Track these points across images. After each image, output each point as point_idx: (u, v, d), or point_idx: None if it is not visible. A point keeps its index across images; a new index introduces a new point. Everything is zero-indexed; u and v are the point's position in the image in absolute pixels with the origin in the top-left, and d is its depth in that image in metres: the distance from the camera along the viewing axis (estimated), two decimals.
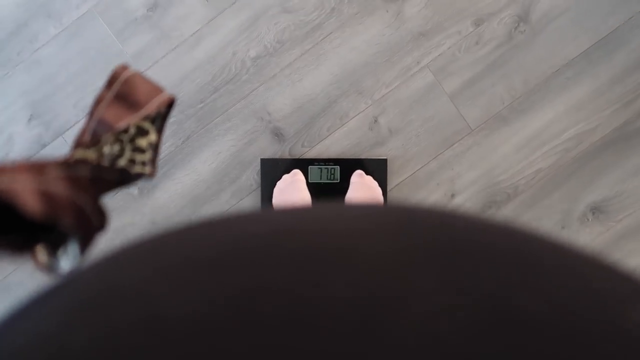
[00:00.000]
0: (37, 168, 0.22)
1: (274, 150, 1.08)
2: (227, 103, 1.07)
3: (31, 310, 0.14)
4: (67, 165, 0.24)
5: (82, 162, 0.25)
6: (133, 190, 1.08)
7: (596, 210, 1.07)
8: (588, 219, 1.07)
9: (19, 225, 0.22)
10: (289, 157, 1.07)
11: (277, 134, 1.08)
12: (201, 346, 0.11)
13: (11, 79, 1.07)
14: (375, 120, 1.07)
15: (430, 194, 1.08)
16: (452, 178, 1.07)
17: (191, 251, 0.15)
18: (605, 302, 0.12)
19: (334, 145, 1.07)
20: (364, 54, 1.07)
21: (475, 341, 0.11)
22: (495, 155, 1.07)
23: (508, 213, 1.07)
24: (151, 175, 0.28)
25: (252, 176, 1.08)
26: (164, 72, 1.08)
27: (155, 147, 0.28)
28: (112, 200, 1.08)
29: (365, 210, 0.18)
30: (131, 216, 1.09)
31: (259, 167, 1.07)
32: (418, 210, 0.18)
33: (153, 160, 0.28)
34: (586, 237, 1.07)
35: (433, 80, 1.07)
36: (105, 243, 1.08)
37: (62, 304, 0.14)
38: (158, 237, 0.16)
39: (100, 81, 1.08)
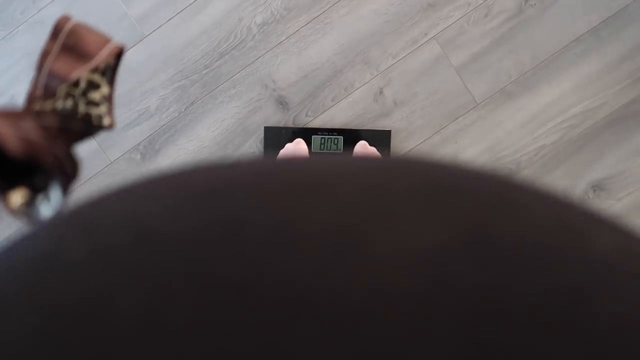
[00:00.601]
0: (12, 115, 0.22)
1: (277, 119, 1.08)
2: (232, 70, 1.07)
3: (31, 235, 0.15)
4: (37, 114, 0.24)
5: (48, 112, 0.25)
6: (135, 155, 1.09)
7: (597, 188, 1.08)
8: (589, 197, 1.08)
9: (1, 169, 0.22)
10: (292, 126, 1.07)
11: (282, 103, 1.07)
12: (191, 258, 0.12)
13: (14, 38, 1.07)
14: (381, 92, 1.07)
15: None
16: (455, 152, 1.08)
17: (183, 184, 0.16)
18: (573, 233, 0.13)
19: (338, 115, 1.07)
20: (372, 24, 1.07)
21: (451, 262, 0.11)
22: (499, 131, 1.07)
23: None
24: (111, 126, 0.28)
25: (255, 144, 1.08)
26: (169, 36, 1.07)
27: (109, 99, 0.28)
28: (115, 165, 1.09)
29: (353, 158, 0.19)
30: None
31: (262, 136, 1.07)
32: (409, 158, 0.18)
33: (109, 112, 0.28)
34: None
35: (440, 53, 1.06)
36: None
37: (58, 229, 0.14)
38: (151, 175, 0.17)
39: None
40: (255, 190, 0.15)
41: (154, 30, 1.07)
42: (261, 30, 1.07)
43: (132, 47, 1.07)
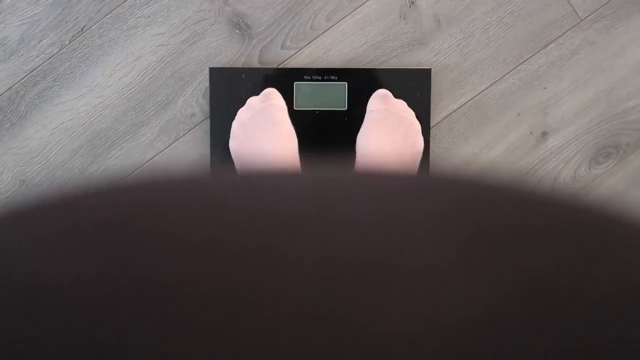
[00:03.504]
0: None
1: (232, 54, 0.68)
2: None
3: None
4: None
5: None
6: None
7: None
8: None
9: None
10: (258, 65, 0.68)
11: (239, 26, 0.67)
12: (95, 336, 0.10)
13: None
14: (412, 2, 0.66)
15: (505, 131, 0.69)
16: (544, 104, 0.68)
17: (78, 217, 0.13)
18: None
19: (337, 45, 0.68)
20: None
21: (498, 337, 0.09)
22: (618, 65, 0.68)
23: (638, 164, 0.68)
24: None
25: (194, 99, 0.68)
26: None
27: None
28: None
29: (355, 184, 0.15)
30: None
31: (206, 84, 0.67)
32: (438, 181, 0.16)
33: None
34: None
35: None
36: None
37: None
38: (29, 202, 0.14)
39: None
40: (185, 243, 0.12)
41: None
42: None
43: None
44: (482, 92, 0.68)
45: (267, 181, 0.15)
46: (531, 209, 0.13)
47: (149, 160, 0.67)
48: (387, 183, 0.14)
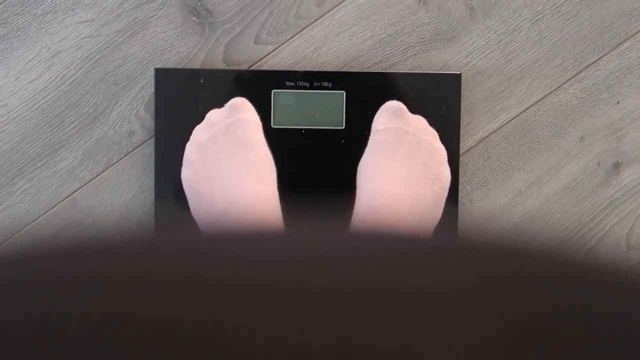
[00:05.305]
0: None
1: (187, 50, 0.53)
2: None
3: None
4: None
5: None
6: None
7: None
8: None
9: None
10: (223, 66, 0.54)
11: (196, 11, 0.53)
12: None
13: None
14: None
15: (563, 161, 0.54)
16: (616, 124, 0.54)
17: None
18: None
19: (333, 40, 0.53)
20: None
21: None
22: None
23: None
24: None
25: (132, 112, 0.53)
26: None
27: None
28: None
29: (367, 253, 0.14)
30: None
31: (151, 91, 0.53)
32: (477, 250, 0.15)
33: None
34: None
35: None
36: None
37: None
38: None
39: None
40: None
41: None
42: None
43: None
44: (531, 106, 0.53)
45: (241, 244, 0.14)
46: (571, 286, 0.12)
47: (69, 195, 0.51)
48: (398, 255, 0.13)
